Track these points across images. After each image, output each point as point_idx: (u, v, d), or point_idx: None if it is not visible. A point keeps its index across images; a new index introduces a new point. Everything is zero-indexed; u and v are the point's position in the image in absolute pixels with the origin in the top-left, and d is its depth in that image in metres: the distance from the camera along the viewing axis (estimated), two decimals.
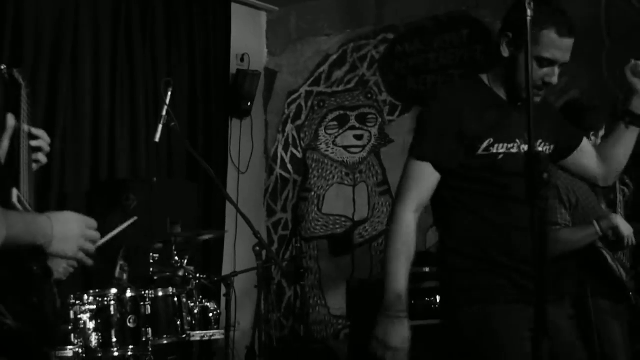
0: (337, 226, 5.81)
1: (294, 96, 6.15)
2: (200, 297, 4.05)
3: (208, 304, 4.03)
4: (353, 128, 5.82)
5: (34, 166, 2.24)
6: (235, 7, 5.99)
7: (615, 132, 2.58)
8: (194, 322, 3.88)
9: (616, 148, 2.58)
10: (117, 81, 5.06)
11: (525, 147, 2.36)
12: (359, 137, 5.79)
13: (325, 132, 5.95)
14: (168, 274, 4.07)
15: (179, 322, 3.76)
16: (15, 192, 1.93)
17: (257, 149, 6.18)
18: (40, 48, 4.63)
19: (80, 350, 3.43)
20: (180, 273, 4.07)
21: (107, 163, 4.95)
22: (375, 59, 5.74)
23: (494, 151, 2.32)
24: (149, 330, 3.61)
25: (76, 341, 3.45)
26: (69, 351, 3.41)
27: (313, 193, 5.96)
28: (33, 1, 4.61)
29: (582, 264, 3.16)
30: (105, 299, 3.54)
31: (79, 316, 3.48)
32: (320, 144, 5.96)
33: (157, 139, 3.83)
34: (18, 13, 4.52)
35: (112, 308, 3.54)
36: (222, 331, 4.08)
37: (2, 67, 2.32)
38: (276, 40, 6.30)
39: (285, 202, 6.11)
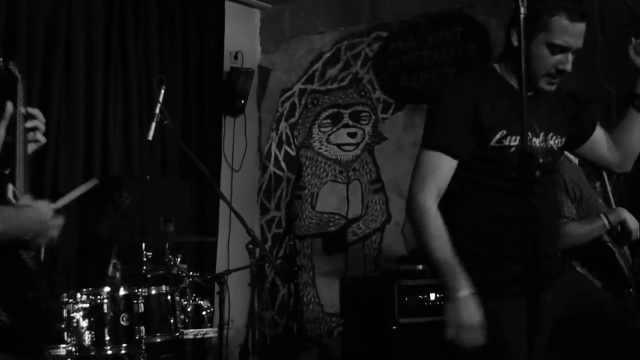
0: (331, 224, 5.81)
1: (287, 94, 6.14)
2: (194, 295, 4.05)
3: (201, 302, 4.03)
4: (347, 126, 5.81)
5: (34, 146, 2.24)
6: (228, 5, 5.97)
7: (627, 117, 2.57)
8: (187, 320, 3.88)
9: (629, 133, 2.56)
10: (110, 79, 5.04)
11: (536, 141, 2.36)
12: (352, 135, 5.79)
13: (319, 129, 5.94)
14: (161, 272, 4.07)
15: (172, 320, 3.75)
16: (10, 187, 1.94)
17: (251, 147, 6.18)
18: (32, 45, 4.61)
19: (73, 349, 3.43)
20: (174, 271, 4.07)
21: (100, 161, 4.93)
22: (369, 56, 5.73)
23: (506, 143, 2.31)
24: (142, 328, 3.60)
25: (69, 339, 3.45)
26: (62, 349, 3.41)
27: (306, 191, 5.96)
28: None
29: (586, 257, 3.15)
30: (99, 297, 3.53)
31: (72, 314, 3.48)
32: (314, 142, 5.96)
33: (150, 137, 3.84)
34: (10, 11, 4.50)
35: (105, 306, 3.53)
36: (216, 329, 4.09)
37: None
38: (270, 37, 6.29)
39: (278, 200, 6.11)
